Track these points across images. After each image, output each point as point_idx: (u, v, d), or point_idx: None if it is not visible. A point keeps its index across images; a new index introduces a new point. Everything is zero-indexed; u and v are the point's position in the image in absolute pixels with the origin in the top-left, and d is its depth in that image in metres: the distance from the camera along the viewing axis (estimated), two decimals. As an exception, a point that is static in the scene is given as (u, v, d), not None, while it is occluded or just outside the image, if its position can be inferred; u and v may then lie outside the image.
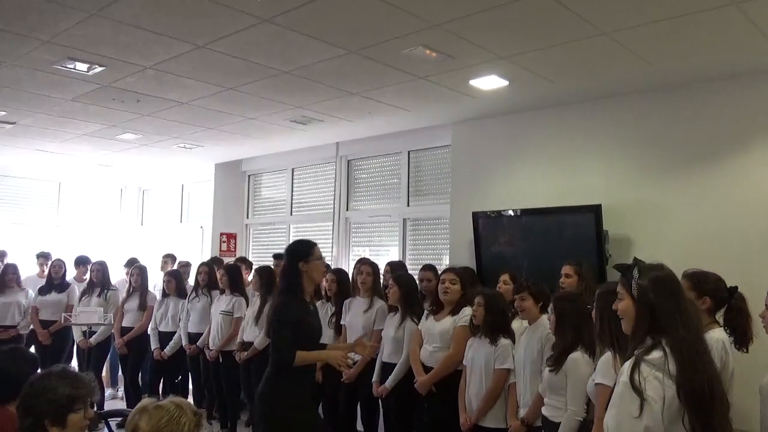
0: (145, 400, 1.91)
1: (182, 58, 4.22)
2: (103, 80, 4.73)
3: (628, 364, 1.90)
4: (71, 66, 4.41)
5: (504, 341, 3.77)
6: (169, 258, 7.73)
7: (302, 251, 3.32)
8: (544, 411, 3.29)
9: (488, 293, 3.93)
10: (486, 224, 5.43)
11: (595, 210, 4.69)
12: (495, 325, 3.79)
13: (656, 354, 1.88)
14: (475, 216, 5.43)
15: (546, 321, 3.61)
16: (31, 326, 6.64)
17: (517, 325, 3.91)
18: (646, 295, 1.98)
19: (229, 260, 6.95)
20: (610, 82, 4.59)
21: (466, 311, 4.07)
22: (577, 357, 3.12)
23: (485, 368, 3.78)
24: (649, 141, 4.77)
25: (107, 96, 5.14)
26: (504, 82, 4.58)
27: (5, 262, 6.98)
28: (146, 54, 4.19)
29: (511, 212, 5.33)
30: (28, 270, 7.26)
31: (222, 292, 5.93)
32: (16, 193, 9.03)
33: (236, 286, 5.85)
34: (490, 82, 4.59)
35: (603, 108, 4.98)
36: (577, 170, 5.12)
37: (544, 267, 4.62)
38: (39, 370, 2.64)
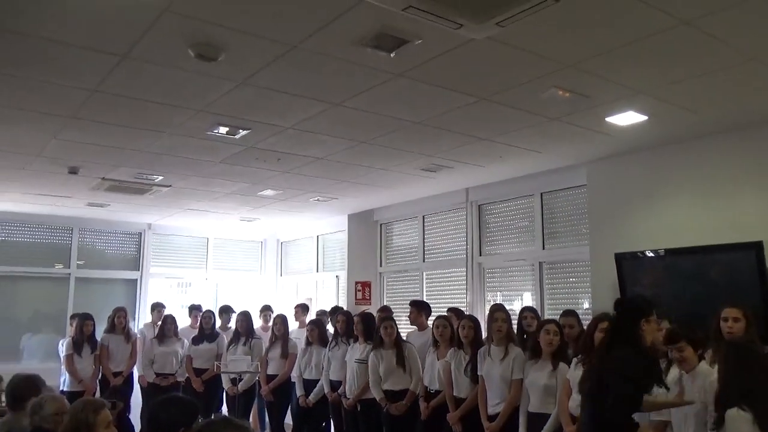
0: None
1: (319, 116, 4.45)
2: (248, 142, 5.07)
3: None
4: (221, 131, 4.78)
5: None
6: (300, 308, 8.00)
7: (646, 310, 3.31)
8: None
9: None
10: (630, 266, 5.15)
11: (756, 247, 4.31)
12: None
13: None
14: (619, 257, 5.17)
15: (706, 369, 3.33)
16: (186, 375, 7.08)
17: (674, 374, 3.63)
18: None
19: (365, 308, 7.08)
20: (763, 108, 4.26)
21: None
22: (734, 414, 2.80)
23: (640, 418, 3.53)
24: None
25: (251, 156, 5.50)
26: (642, 117, 4.39)
27: (164, 314, 7.53)
28: (286, 115, 4.46)
29: (657, 252, 5.02)
30: (182, 321, 7.81)
31: (356, 340, 6.02)
32: (170, 249, 9.80)
33: (370, 334, 5.92)
34: (627, 118, 4.42)
35: (755, 136, 4.62)
36: (729, 205, 4.75)
37: (695, 310, 4.29)
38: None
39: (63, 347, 6.94)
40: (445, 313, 5.82)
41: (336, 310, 6.93)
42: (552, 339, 4.34)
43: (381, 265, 8.57)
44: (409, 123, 4.61)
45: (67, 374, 6.75)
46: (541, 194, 6.47)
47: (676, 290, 4.86)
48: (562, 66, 3.52)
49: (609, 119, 4.45)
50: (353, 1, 2.81)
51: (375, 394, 5.56)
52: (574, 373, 4.07)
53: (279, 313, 7.12)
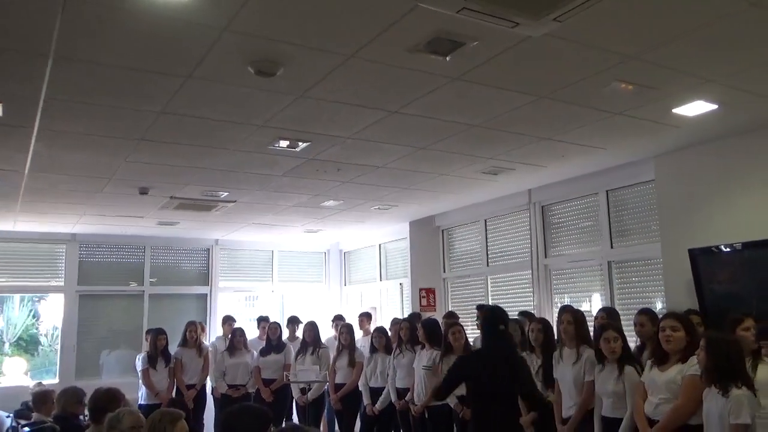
0: None
1: (377, 125, 4.47)
2: (309, 154, 5.15)
3: None
4: (282, 145, 4.87)
5: (737, 392, 3.33)
6: (365, 316, 8.03)
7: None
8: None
9: (712, 335, 3.53)
10: (706, 261, 4.94)
11: None
12: (723, 372, 3.38)
13: None
14: (693, 253, 4.97)
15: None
16: (256, 385, 7.21)
17: (764, 371, 3.45)
18: None
19: (430, 315, 7.05)
20: (844, 89, 4.02)
21: (696, 359, 3.69)
22: None
23: (719, 423, 3.37)
24: None
25: (312, 168, 5.57)
26: (713, 106, 4.21)
27: (234, 326, 7.70)
28: (345, 125, 4.50)
29: (734, 246, 4.80)
30: (250, 333, 7.96)
31: (423, 347, 5.99)
32: (237, 263, 10.05)
33: (435, 340, 5.88)
34: (696, 108, 4.25)
35: (837, 120, 4.37)
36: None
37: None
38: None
39: (139, 362, 7.19)
40: (517, 317, 5.71)
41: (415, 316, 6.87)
42: (613, 347, 4.20)
43: (444, 271, 8.52)
44: (467, 126, 4.57)
45: (144, 388, 6.98)
46: (607, 192, 6.29)
47: (757, 285, 4.64)
48: (623, 58, 3.42)
49: (676, 110, 4.29)
50: (407, 8, 2.82)
51: (449, 400, 5.52)
52: (649, 374, 3.94)
53: (345, 322, 7.18)
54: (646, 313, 4.60)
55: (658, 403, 3.83)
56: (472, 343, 5.84)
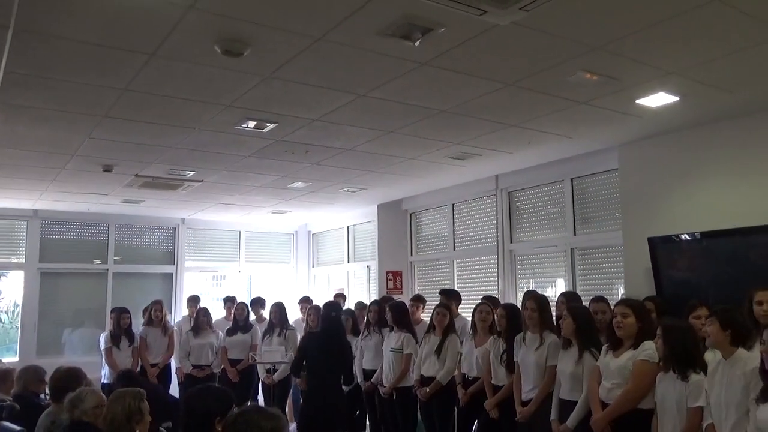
0: None
1: (345, 108, 4.46)
2: (276, 135, 5.12)
3: None
4: (249, 125, 4.83)
5: (695, 377, 3.47)
6: (341, 298, 8.08)
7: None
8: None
9: (668, 323, 3.66)
10: (665, 250, 5.06)
11: (796, 228, 4.20)
12: (680, 358, 3.51)
13: None
14: (652, 241, 5.10)
15: (746, 355, 3.26)
16: (222, 365, 7.21)
17: (710, 357, 3.57)
18: None
19: (397, 297, 7.10)
20: (801, 84, 4.14)
21: (647, 345, 3.81)
22: None
23: (677, 407, 3.49)
24: None
25: (280, 149, 5.54)
26: (674, 98, 4.30)
27: (198, 306, 7.66)
28: (313, 107, 4.48)
29: (692, 235, 4.93)
30: (217, 313, 7.94)
31: (391, 329, 6.05)
32: (204, 243, 9.97)
33: (403, 322, 5.95)
34: (658, 100, 4.33)
35: (793, 114, 4.50)
36: (765, 185, 4.63)
37: (732, 294, 4.19)
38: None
39: (102, 341, 7.12)
40: (481, 302, 5.80)
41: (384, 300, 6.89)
42: (565, 325, 4.32)
43: (412, 255, 8.58)
44: (435, 111, 4.59)
45: (107, 366, 6.92)
46: (572, 179, 6.40)
47: (713, 274, 4.77)
48: (588, 49, 3.47)
49: (639, 101, 4.37)
50: (375, -9, 2.82)
51: (413, 374, 5.62)
52: (604, 359, 4.05)
53: (313, 304, 7.20)
54: (604, 301, 4.70)
55: (610, 387, 3.94)
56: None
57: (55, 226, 8.85)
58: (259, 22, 3.12)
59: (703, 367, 3.51)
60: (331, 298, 8.01)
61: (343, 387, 6.27)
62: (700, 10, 3.03)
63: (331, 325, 5.70)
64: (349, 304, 7.75)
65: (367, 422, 6.56)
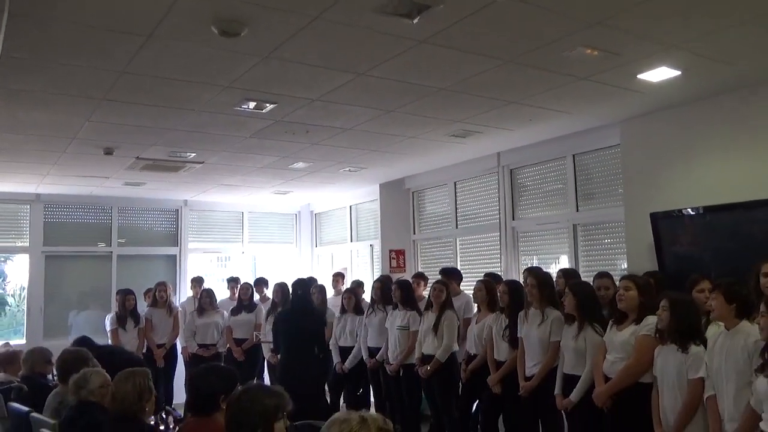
0: (339, 414, 2.00)
1: (345, 87, 4.44)
2: (276, 116, 5.10)
3: None
4: (248, 106, 4.81)
5: (695, 348, 3.50)
6: (339, 276, 8.11)
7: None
8: (763, 426, 2.97)
9: (673, 296, 3.68)
10: (667, 225, 5.06)
11: (797, 201, 4.19)
12: (683, 330, 3.53)
13: None
14: (654, 217, 5.09)
15: (748, 326, 3.28)
16: (227, 345, 7.27)
17: (713, 331, 3.59)
18: None
19: (400, 275, 7.13)
20: (803, 56, 4.10)
21: (650, 319, 3.84)
22: None
23: (677, 379, 3.53)
24: None
25: (280, 129, 5.53)
26: (676, 72, 4.26)
27: (203, 287, 7.71)
28: (313, 87, 4.46)
29: (695, 210, 4.92)
30: (221, 293, 7.99)
31: (395, 307, 6.09)
32: (207, 224, 9.99)
33: (409, 300, 5.98)
34: (660, 74, 4.29)
35: (795, 87, 4.46)
36: (768, 159, 4.62)
37: (735, 267, 4.20)
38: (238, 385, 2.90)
39: (108, 322, 7.19)
40: (483, 278, 5.82)
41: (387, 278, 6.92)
42: (567, 301, 4.35)
43: (414, 233, 8.59)
44: (435, 89, 4.56)
45: (114, 348, 6.99)
46: (574, 156, 6.37)
47: (715, 249, 4.77)
48: (588, 24, 3.43)
49: (641, 76, 4.33)
50: (372, -31, 2.78)
51: (415, 353, 5.67)
52: (609, 334, 4.08)
53: (317, 283, 7.24)
54: (608, 277, 4.73)
55: (613, 361, 3.99)
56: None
57: (59, 209, 8.87)
58: (255, 1, 3.09)
59: (703, 341, 3.54)
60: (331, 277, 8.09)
61: (345, 365, 6.37)
62: (701, -17, 3.00)
63: (298, 302, 6.09)
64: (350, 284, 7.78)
65: (372, 399, 6.63)
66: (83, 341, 5.06)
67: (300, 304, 6.05)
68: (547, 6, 3.21)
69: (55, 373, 4.46)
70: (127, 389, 3.26)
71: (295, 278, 6.56)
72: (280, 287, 7.10)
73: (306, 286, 6.30)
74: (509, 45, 3.75)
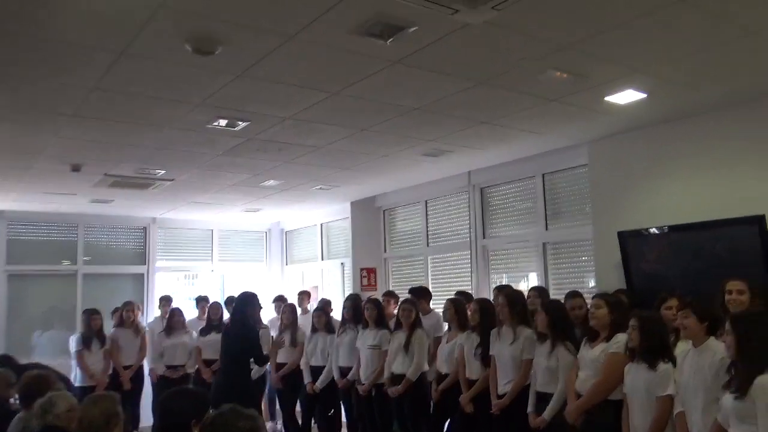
0: None
1: (318, 106, 4.45)
2: (249, 134, 5.08)
3: None
4: (220, 124, 4.78)
5: (664, 366, 3.55)
6: (306, 295, 8.04)
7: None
8: (734, 441, 3.02)
9: (643, 315, 3.74)
10: (634, 243, 5.16)
11: (758, 221, 4.31)
12: (652, 348, 3.59)
13: None
14: (622, 235, 5.19)
15: (715, 344, 3.35)
16: (196, 365, 7.14)
17: (681, 347, 3.66)
18: None
19: (372, 294, 7.11)
20: (763, 82, 4.24)
21: (619, 337, 3.90)
22: (766, 381, 2.85)
23: (647, 396, 3.58)
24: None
25: (252, 147, 5.51)
26: (642, 95, 4.38)
27: (171, 306, 7.58)
28: (285, 106, 4.46)
29: (660, 229, 5.03)
30: (189, 313, 7.85)
31: (366, 326, 6.05)
32: (176, 242, 9.84)
33: (380, 319, 5.96)
34: (626, 97, 4.41)
35: (756, 110, 4.60)
36: (731, 179, 4.75)
37: (700, 285, 4.31)
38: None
39: (73, 343, 7.00)
40: (453, 297, 5.84)
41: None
42: (539, 320, 4.40)
43: (385, 251, 8.60)
44: (408, 109, 4.61)
45: (79, 370, 6.81)
46: (543, 175, 6.47)
47: (681, 266, 4.87)
48: (558, 47, 3.51)
49: (608, 98, 4.44)
50: (347, -10, 2.82)
51: (385, 373, 5.64)
52: (582, 351, 4.12)
53: (288, 302, 7.17)
54: (580, 296, 4.78)
55: (585, 378, 4.03)
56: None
57: (23, 226, 8.66)
58: (230, 20, 3.10)
59: (671, 358, 3.60)
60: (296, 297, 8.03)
61: (317, 385, 6.30)
62: (665, 10, 3.09)
63: (233, 315, 6.29)
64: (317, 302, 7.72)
65: (344, 419, 6.57)
66: (5, 360, 4.93)
67: (236, 318, 6.06)
68: (519, 30, 3.28)
69: (16, 396, 4.31)
70: (95, 414, 3.16)
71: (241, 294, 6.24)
72: (214, 306, 7.22)
73: (242, 302, 5.96)
74: (481, 67, 3.82)
